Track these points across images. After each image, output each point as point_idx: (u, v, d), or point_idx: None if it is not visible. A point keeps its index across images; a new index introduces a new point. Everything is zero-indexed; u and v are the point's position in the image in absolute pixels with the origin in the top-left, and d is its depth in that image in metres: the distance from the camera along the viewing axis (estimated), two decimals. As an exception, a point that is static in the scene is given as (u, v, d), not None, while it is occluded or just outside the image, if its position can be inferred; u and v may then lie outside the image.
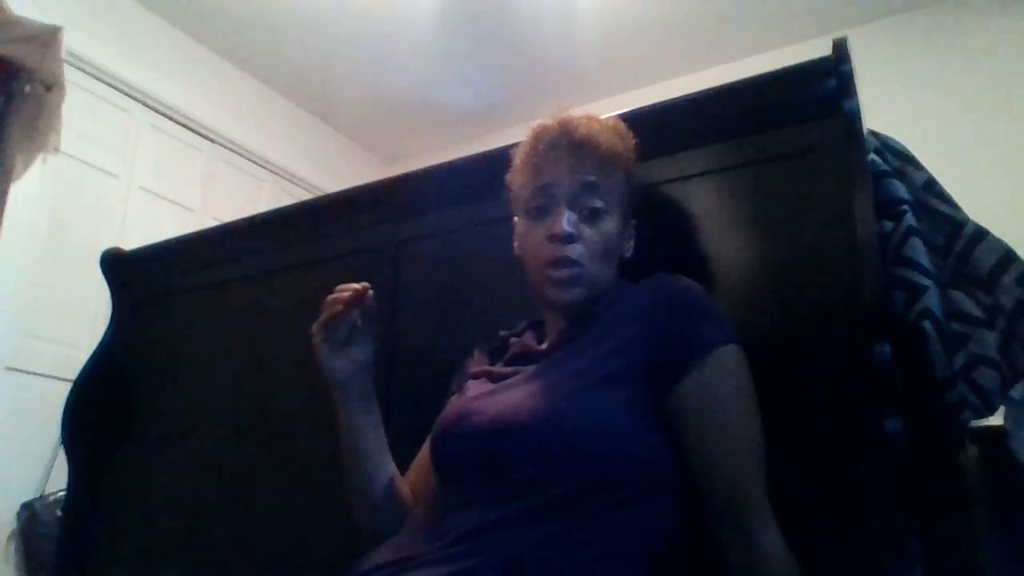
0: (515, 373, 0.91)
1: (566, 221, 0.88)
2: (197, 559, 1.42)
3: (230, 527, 1.40)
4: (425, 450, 1.00)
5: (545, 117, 0.97)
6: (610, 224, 0.91)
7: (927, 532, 0.78)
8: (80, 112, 2.90)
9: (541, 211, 0.91)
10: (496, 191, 1.05)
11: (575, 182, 0.90)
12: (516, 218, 1.01)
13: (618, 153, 0.93)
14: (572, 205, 0.90)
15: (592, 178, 0.90)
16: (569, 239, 0.88)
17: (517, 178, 0.97)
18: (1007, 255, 0.97)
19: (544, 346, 0.94)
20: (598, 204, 0.90)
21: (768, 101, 1.03)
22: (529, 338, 0.99)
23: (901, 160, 1.04)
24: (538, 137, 0.95)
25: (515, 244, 1.00)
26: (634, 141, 0.96)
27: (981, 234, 0.99)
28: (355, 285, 0.92)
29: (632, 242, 0.98)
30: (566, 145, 0.92)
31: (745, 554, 0.76)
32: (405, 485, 0.99)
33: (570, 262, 0.88)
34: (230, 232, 1.71)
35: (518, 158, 0.98)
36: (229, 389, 1.52)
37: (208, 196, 3.48)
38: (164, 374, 1.64)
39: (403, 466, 1.02)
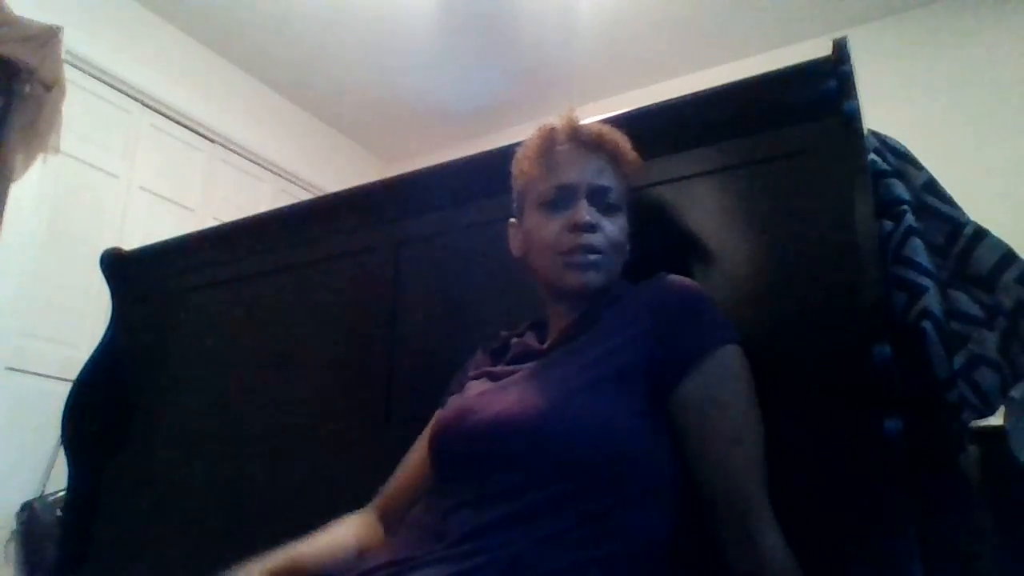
0: (516, 372, 0.91)
1: (588, 212, 0.91)
2: (197, 558, 1.42)
3: (230, 526, 1.40)
4: (416, 448, 1.00)
5: (554, 119, 0.99)
6: (622, 220, 0.95)
7: (927, 532, 0.78)
8: (80, 112, 2.89)
9: (558, 204, 0.93)
10: (496, 191, 1.05)
11: (593, 179, 0.93)
12: (512, 220, 1.02)
13: (628, 160, 0.96)
14: (591, 199, 0.93)
15: (608, 177, 0.94)
16: (591, 228, 0.91)
17: (526, 175, 0.98)
18: (1007, 255, 0.97)
19: (546, 345, 0.95)
20: (612, 200, 0.94)
21: (768, 101, 1.03)
22: (531, 338, 0.99)
23: (901, 160, 1.04)
24: (552, 136, 0.97)
25: (513, 245, 1.01)
26: (635, 153, 0.98)
27: (981, 234, 0.99)
28: None
29: (630, 247, 0.98)
30: (584, 144, 0.95)
31: (745, 553, 0.76)
32: (366, 526, 0.96)
33: (592, 249, 0.91)
34: (230, 232, 1.71)
35: (527, 157, 0.98)
36: (229, 389, 1.52)
37: (208, 196, 3.48)
38: (164, 374, 1.64)
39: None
